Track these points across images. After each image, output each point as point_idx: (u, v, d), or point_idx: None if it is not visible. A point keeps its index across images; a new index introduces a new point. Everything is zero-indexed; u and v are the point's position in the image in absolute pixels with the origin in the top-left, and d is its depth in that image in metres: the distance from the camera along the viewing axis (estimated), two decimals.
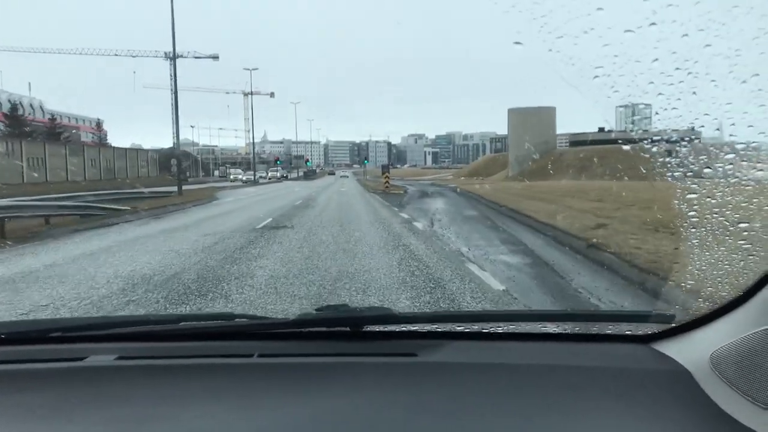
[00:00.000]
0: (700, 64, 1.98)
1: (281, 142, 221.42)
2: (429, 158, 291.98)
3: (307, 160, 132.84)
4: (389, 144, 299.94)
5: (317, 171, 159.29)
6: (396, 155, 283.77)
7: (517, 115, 68.94)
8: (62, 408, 1.42)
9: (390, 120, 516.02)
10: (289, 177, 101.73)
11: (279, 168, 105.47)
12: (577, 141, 72.72)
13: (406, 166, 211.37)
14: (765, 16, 1.87)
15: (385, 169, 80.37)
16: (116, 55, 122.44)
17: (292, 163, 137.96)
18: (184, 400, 1.44)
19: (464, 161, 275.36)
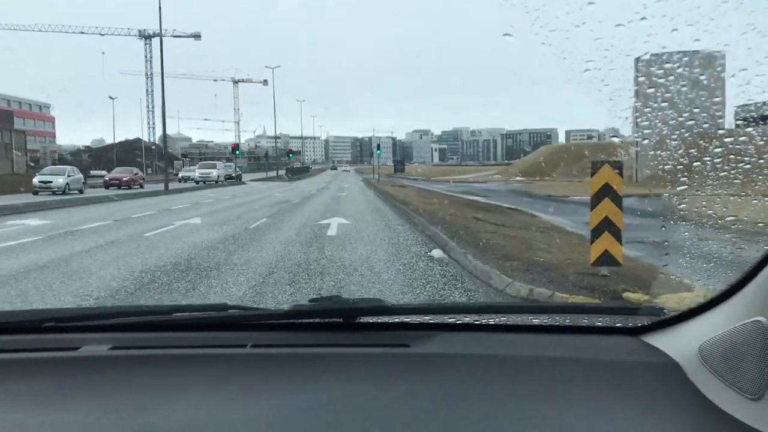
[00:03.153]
0: None
1: (278, 137, 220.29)
2: (436, 155, 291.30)
3: (290, 152, 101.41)
4: (394, 139, 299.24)
5: (311, 168, 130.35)
6: (401, 152, 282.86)
7: (658, 67, 23.98)
8: (57, 397, 1.46)
9: (392, 116, 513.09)
10: (241, 179, 63.98)
11: (220, 164, 62.46)
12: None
13: (414, 163, 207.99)
14: (754, 12, 2.00)
15: (398, 165, 55.55)
16: (82, 32, 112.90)
17: (273, 157, 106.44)
18: (178, 389, 1.49)
19: (474, 158, 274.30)
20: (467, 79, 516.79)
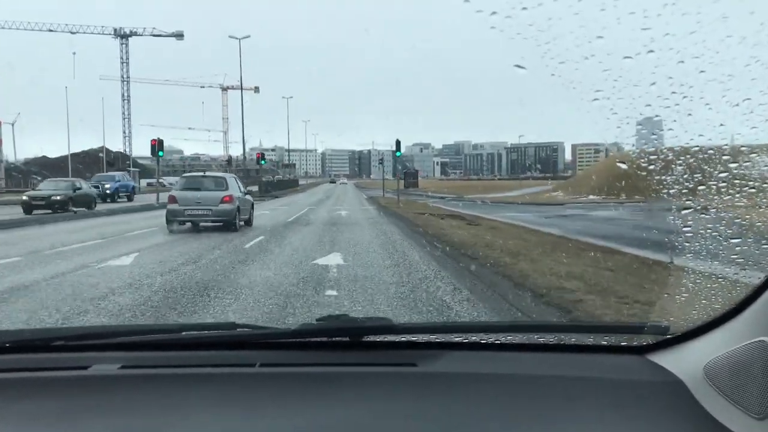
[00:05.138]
0: (695, 88, 2.29)
1: (273, 150, 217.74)
2: (437, 169, 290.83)
3: (261, 157, 76.36)
4: (394, 153, 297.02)
5: (301, 182, 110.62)
6: (402, 165, 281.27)
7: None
8: (67, 416, 1.52)
9: (392, 129, 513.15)
10: (131, 198, 45.05)
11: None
12: None
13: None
14: (756, 45, 2.18)
15: (410, 178, 43.79)
16: (50, 30, 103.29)
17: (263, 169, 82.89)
18: (188, 409, 1.55)
19: (477, 173, 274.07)
20: (469, 94, 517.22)
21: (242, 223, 22.24)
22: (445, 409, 1.56)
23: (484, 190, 70.99)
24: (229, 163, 76.04)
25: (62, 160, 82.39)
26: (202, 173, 25.23)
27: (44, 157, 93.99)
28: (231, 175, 25.94)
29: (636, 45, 2.29)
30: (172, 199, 21.41)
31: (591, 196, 44.89)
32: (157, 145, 41.52)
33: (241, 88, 65.63)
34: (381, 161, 66.75)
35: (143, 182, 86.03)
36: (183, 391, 1.65)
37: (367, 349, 1.91)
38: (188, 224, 21.32)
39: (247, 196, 24.15)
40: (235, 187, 22.45)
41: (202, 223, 21.20)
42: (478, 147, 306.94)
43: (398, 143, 43.98)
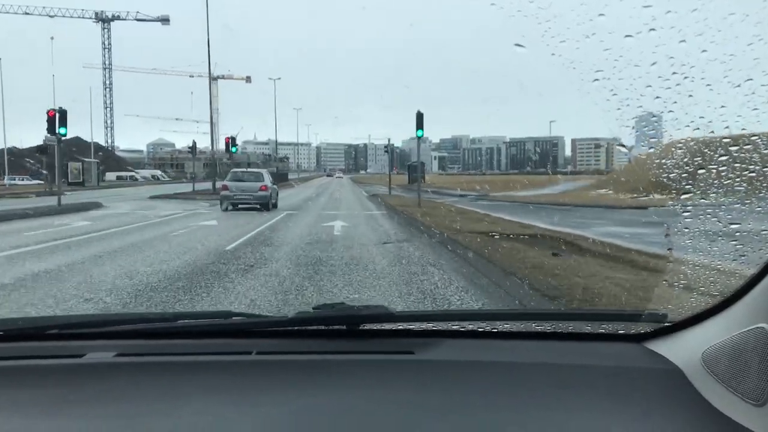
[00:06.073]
0: (696, 68, 2.27)
1: (266, 143, 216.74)
2: (435, 163, 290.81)
3: (231, 142, 52.60)
4: (392, 146, 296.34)
5: (292, 176, 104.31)
6: (399, 160, 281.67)
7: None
8: (62, 404, 1.53)
9: (388, 124, 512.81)
10: None
11: None
12: None
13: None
14: (760, 23, 2.16)
15: (415, 173, 38.49)
16: (27, 13, 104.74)
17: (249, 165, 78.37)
18: (183, 397, 1.56)
19: (476, 167, 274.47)
20: (467, 88, 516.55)
21: (272, 205, 29.55)
22: (442, 396, 1.57)
23: (511, 187, 53.79)
24: (192, 151, 65.00)
25: (38, 150, 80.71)
26: (245, 169, 35.88)
27: (14, 147, 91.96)
28: (265, 170, 34.51)
29: (637, 23, 2.28)
30: (225, 188, 28.93)
31: (655, 195, 37.34)
32: (57, 119, 26.10)
33: (209, 57, 49.60)
34: (386, 149, 54.68)
35: (111, 175, 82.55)
36: (179, 380, 1.67)
37: (364, 337, 1.92)
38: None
39: (275, 185, 31.97)
40: (268, 179, 30.30)
41: (241, 205, 27.71)
42: (476, 141, 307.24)
43: (420, 117, 30.50)
